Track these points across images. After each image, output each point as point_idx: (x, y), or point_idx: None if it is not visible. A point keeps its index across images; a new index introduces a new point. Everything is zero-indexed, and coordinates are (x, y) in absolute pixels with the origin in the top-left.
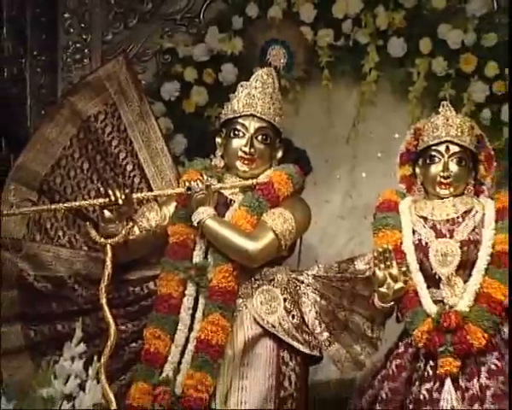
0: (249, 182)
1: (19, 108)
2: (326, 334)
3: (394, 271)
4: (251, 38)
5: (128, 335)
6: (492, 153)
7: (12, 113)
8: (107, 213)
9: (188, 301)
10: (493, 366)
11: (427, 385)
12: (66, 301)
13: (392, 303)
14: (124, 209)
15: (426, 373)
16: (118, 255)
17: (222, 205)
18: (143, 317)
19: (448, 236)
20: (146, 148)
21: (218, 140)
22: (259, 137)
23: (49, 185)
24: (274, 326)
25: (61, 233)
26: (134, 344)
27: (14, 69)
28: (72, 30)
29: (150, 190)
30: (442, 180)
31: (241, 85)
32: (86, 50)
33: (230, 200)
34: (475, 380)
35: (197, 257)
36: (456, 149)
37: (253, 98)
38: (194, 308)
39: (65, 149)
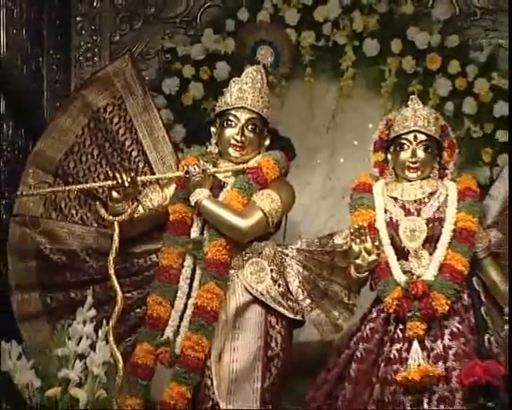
0: (240, 166)
1: (37, 101)
2: (308, 301)
3: (368, 245)
4: (242, 39)
5: (133, 301)
6: (455, 141)
7: (30, 105)
8: (114, 193)
9: (186, 272)
10: (455, 329)
11: (397, 346)
12: (79, 271)
13: (366, 274)
14: (129, 190)
15: (396, 335)
16: (124, 231)
17: (216, 187)
18: (147, 285)
19: (416, 214)
20: (149, 136)
21: (213, 129)
22: (249, 127)
23: (63, 169)
24: (262, 294)
25: (74, 211)
26: (138, 310)
27: (32, 66)
28: (83, 32)
29: (153, 173)
30: (411, 165)
31: (234, 81)
32: (96, 50)
33: (224, 182)
34: (439, 341)
35: (194, 233)
36: (423, 137)
37: (243, 92)
38: (192, 278)
39: (77, 137)
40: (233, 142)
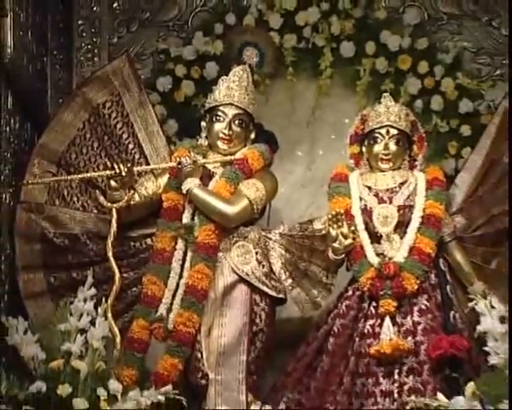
0: (228, 158)
1: (41, 97)
2: (289, 281)
3: (345, 230)
4: (229, 41)
5: (130, 281)
6: (423, 135)
7: (36, 101)
8: (112, 182)
9: (178, 254)
10: (423, 306)
11: (371, 322)
12: (80, 253)
13: (343, 256)
14: (126, 180)
15: (369, 312)
16: (121, 217)
17: (206, 176)
18: (142, 267)
19: (388, 202)
20: (144, 130)
21: (203, 124)
22: (236, 122)
23: (65, 160)
24: (248, 274)
25: (75, 199)
26: (134, 289)
27: (37, 66)
28: (84, 34)
29: (148, 164)
30: (383, 157)
31: (222, 80)
32: (96, 51)
33: (213, 172)
34: (409, 317)
35: (186, 218)
36: (395, 132)
37: (231, 90)
38: (184, 260)
39: (78, 131)
40: (221, 135)
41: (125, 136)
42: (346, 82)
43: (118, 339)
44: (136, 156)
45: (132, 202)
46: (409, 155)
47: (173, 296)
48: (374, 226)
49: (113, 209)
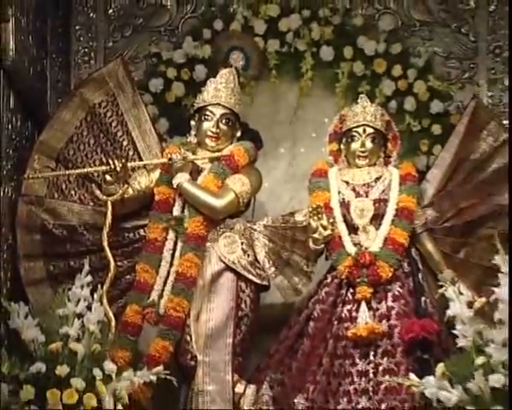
0: (215, 154)
1: (41, 97)
2: (273, 269)
3: (324, 222)
4: (217, 46)
5: (124, 269)
6: (397, 134)
7: (36, 101)
8: (108, 177)
9: (169, 244)
10: (397, 292)
11: (348, 307)
12: (77, 243)
13: (322, 246)
14: (121, 175)
15: (347, 298)
16: (116, 209)
17: (195, 172)
18: (135, 255)
19: (364, 196)
20: (137, 128)
21: (193, 123)
22: (223, 121)
23: (64, 156)
24: (234, 263)
25: (73, 192)
26: (128, 276)
27: (37, 68)
28: (81, 38)
29: (141, 160)
30: (360, 154)
31: (210, 81)
32: (92, 54)
33: (201, 168)
34: (383, 303)
35: (176, 211)
36: (371, 130)
37: (218, 91)
38: (174, 249)
39: (76, 129)
40: (209, 133)
41: (119, 133)
42: (325, 84)
43: (112, 323)
44: (130, 153)
45: (126, 196)
46: (384, 152)
47: (164, 283)
48: (351, 218)
49: (109, 202)
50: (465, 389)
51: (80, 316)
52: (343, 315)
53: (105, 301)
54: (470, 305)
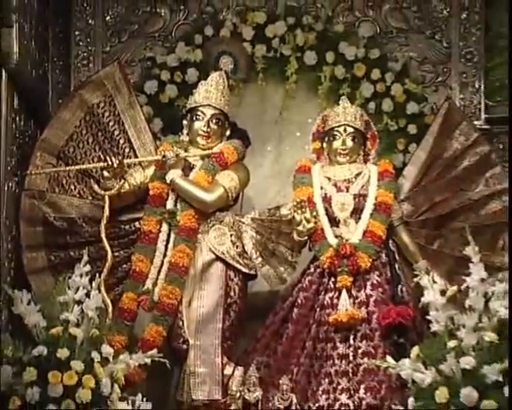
0: (206, 152)
1: (43, 98)
2: (259, 259)
3: (307, 215)
4: (208, 51)
5: (120, 259)
6: (376, 133)
7: (38, 102)
8: (105, 173)
9: (163, 236)
10: (375, 281)
11: (330, 294)
12: (77, 235)
13: (306, 237)
14: (117, 171)
15: (329, 286)
16: (113, 203)
17: (187, 168)
18: (131, 246)
19: (345, 191)
20: (133, 127)
21: (185, 122)
22: (214, 121)
23: (64, 153)
24: (223, 253)
25: (73, 187)
26: (124, 266)
27: (39, 71)
28: (81, 43)
29: (136, 157)
30: (341, 152)
31: (201, 84)
32: (91, 58)
33: (193, 165)
34: (363, 291)
35: (169, 205)
36: (351, 130)
37: (209, 93)
38: (167, 241)
39: (76, 128)
40: (200, 132)
41: (116, 132)
42: (309, 86)
43: (110, 309)
44: (126, 150)
45: (122, 190)
46: (363, 150)
47: (158, 272)
48: (333, 212)
49: (106, 196)
50: (438, 370)
51: (79, 303)
52: (325, 302)
53: (103, 288)
54: (443, 293)
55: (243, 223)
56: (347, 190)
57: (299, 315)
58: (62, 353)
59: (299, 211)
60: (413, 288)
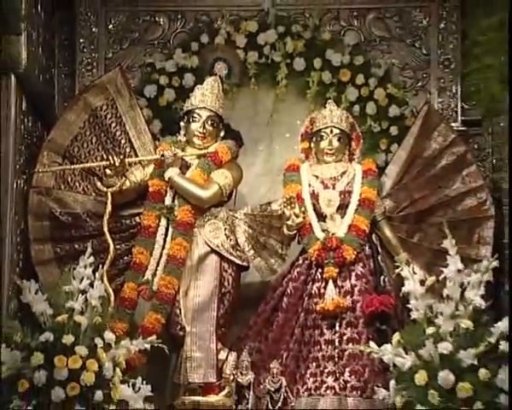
0: (202, 152)
1: (49, 101)
2: (252, 251)
3: (296, 210)
4: (203, 57)
5: (122, 251)
6: (360, 134)
7: (45, 105)
8: (108, 171)
9: (161, 230)
10: (359, 272)
11: (317, 284)
12: (81, 228)
13: (295, 231)
14: (119, 169)
15: (316, 277)
16: (115, 199)
17: (184, 167)
18: (132, 240)
19: (331, 188)
20: (134, 128)
21: (182, 124)
22: (209, 122)
23: (69, 152)
24: (218, 246)
25: (77, 184)
26: (125, 258)
27: (46, 76)
28: (85, 50)
29: (137, 156)
30: (328, 151)
31: (197, 88)
32: (94, 63)
33: (190, 163)
34: (348, 281)
35: (167, 201)
36: (337, 131)
37: (205, 96)
38: (166, 234)
39: (80, 129)
40: (197, 133)
41: (118, 133)
42: (298, 91)
43: (112, 298)
44: (127, 150)
45: (124, 187)
46: (348, 150)
47: (157, 264)
48: (320, 208)
49: (109, 193)
50: (417, 355)
51: (84, 292)
52: (313, 292)
53: (105, 279)
54: (422, 283)
55: (236, 218)
56: (333, 188)
57: (289, 304)
58: (68, 339)
59: (289, 207)
60: (394, 278)
